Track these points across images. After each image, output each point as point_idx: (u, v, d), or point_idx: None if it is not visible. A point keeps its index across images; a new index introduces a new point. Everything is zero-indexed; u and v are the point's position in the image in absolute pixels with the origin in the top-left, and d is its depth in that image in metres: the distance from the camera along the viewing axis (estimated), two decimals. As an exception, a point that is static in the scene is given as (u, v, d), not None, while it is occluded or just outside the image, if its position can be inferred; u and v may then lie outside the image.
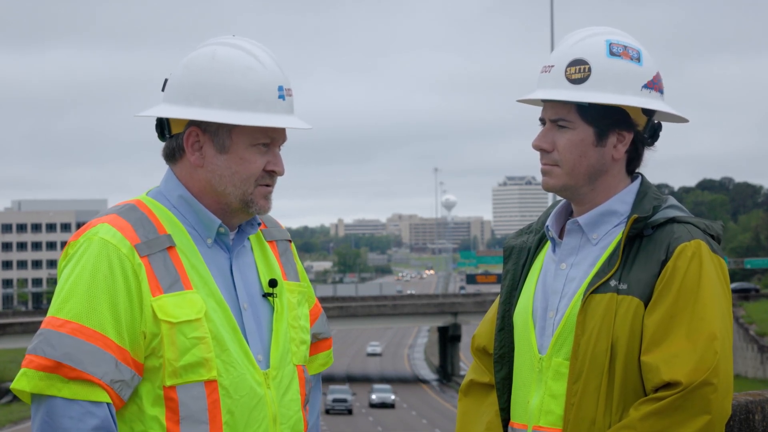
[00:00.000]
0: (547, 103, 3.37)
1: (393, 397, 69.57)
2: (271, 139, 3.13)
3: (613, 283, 3.25)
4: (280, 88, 3.13)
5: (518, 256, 3.51)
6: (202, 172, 3.13)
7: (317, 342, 3.43)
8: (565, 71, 3.32)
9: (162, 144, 3.20)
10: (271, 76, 3.12)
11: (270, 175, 3.15)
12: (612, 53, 3.32)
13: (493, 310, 3.58)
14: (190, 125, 3.12)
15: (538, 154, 3.41)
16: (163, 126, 3.16)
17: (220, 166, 3.12)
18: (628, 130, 3.33)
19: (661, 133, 3.39)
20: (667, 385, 3.15)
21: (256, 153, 3.13)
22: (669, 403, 3.13)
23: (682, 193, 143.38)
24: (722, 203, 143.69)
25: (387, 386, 72.33)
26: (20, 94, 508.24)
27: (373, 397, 69.34)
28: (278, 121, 3.10)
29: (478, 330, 3.62)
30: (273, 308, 3.22)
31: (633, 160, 3.38)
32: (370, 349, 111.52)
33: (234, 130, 3.10)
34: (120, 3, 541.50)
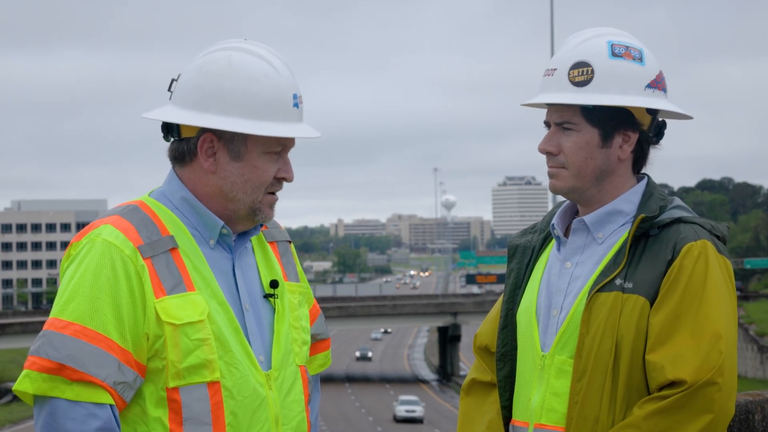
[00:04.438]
0: (551, 107, 3.37)
1: None
2: (282, 146, 3.14)
3: (618, 281, 3.26)
4: (295, 96, 3.13)
5: (522, 254, 3.52)
6: (214, 178, 3.13)
7: (316, 342, 3.43)
8: (568, 74, 3.33)
9: (166, 144, 3.20)
10: (286, 83, 3.12)
11: (279, 182, 3.16)
12: (614, 54, 3.33)
13: (496, 308, 3.59)
14: (205, 131, 3.11)
15: (538, 154, 3.42)
16: (170, 127, 3.16)
17: (233, 173, 3.12)
18: (633, 130, 3.34)
19: (666, 131, 3.41)
20: (672, 384, 3.15)
21: (268, 161, 3.13)
22: (673, 401, 3.13)
23: (682, 193, 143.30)
24: (722, 203, 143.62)
25: None
26: (28, 95, 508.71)
27: None
28: (294, 131, 3.11)
29: (480, 329, 3.63)
30: (274, 309, 3.23)
31: (639, 159, 3.39)
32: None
33: (249, 138, 3.10)
34: (127, 6, 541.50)
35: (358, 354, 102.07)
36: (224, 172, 3.12)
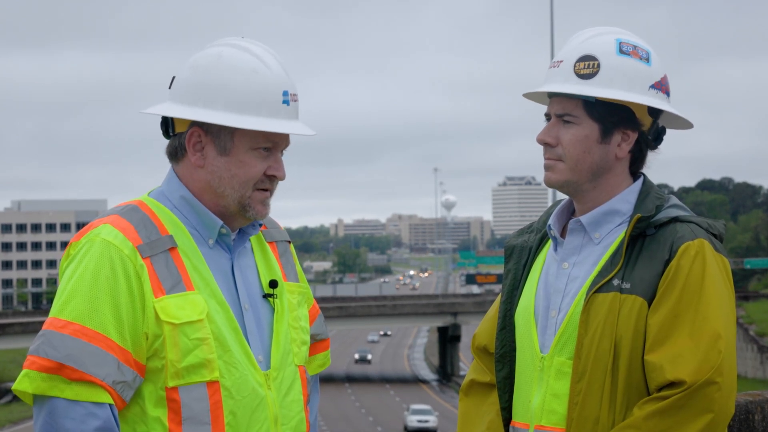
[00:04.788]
0: (553, 98, 3.37)
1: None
2: (273, 143, 3.13)
3: (616, 282, 3.26)
4: (285, 93, 3.12)
5: (519, 255, 3.51)
6: (202, 172, 3.13)
7: (315, 343, 3.43)
8: (574, 66, 3.33)
9: (166, 142, 3.21)
10: (276, 80, 3.11)
11: (270, 179, 3.15)
12: (622, 51, 3.33)
13: (494, 309, 3.58)
14: (193, 125, 3.12)
15: (538, 154, 3.42)
16: (167, 124, 3.17)
17: (220, 168, 3.12)
18: (633, 129, 3.34)
19: (665, 137, 3.40)
20: (671, 384, 3.15)
21: (256, 157, 3.12)
22: (673, 402, 3.13)
23: (682, 193, 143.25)
24: (722, 203, 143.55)
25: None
26: (28, 95, 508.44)
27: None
28: (280, 127, 3.10)
29: (478, 329, 3.63)
30: (273, 309, 3.23)
31: (636, 161, 3.38)
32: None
33: (236, 132, 3.10)
34: (127, 6, 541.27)
35: (357, 356, 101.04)
36: (211, 166, 3.13)
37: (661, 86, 3.36)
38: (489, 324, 3.58)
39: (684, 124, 3.44)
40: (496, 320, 3.54)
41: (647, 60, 3.34)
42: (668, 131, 3.42)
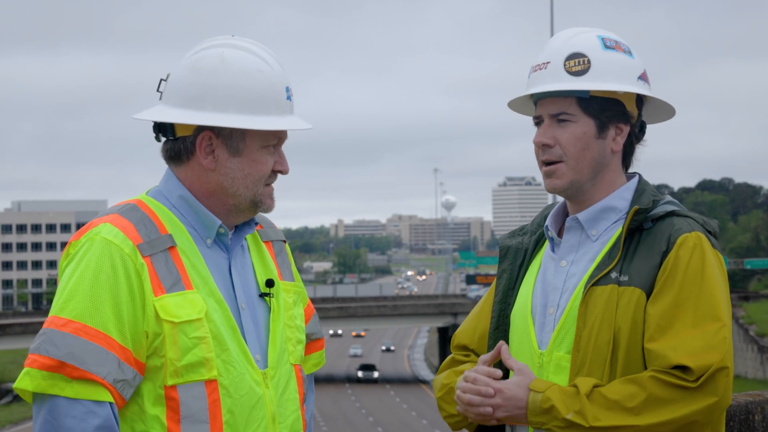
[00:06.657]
0: (546, 100, 3.37)
1: None
2: (279, 139, 3.17)
3: (613, 275, 3.27)
4: (287, 89, 3.17)
5: (515, 256, 3.52)
6: (214, 174, 3.15)
7: (310, 342, 3.45)
8: (564, 65, 3.34)
9: (158, 144, 3.20)
10: (278, 77, 3.16)
11: (275, 174, 3.19)
12: (606, 46, 3.36)
13: (477, 309, 3.57)
14: (202, 129, 3.13)
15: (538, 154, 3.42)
16: (162, 127, 3.16)
17: (233, 169, 3.14)
18: (625, 122, 3.37)
19: (651, 130, 3.44)
20: (676, 369, 3.15)
21: (266, 154, 3.16)
22: (682, 382, 3.13)
23: (682, 194, 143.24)
24: (722, 204, 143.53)
25: None
26: (31, 96, 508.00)
27: None
28: (292, 124, 3.14)
29: (460, 328, 3.61)
30: (269, 308, 3.23)
31: (627, 155, 3.41)
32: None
33: (247, 133, 3.12)
34: (131, 8, 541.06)
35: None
36: (224, 168, 3.14)
37: (646, 78, 3.39)
38: (471, 323, 3.57)
39: (661, 116, 3.48)
40: (480, 320, 3.53)
41: (630, 53, 3.38)
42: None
